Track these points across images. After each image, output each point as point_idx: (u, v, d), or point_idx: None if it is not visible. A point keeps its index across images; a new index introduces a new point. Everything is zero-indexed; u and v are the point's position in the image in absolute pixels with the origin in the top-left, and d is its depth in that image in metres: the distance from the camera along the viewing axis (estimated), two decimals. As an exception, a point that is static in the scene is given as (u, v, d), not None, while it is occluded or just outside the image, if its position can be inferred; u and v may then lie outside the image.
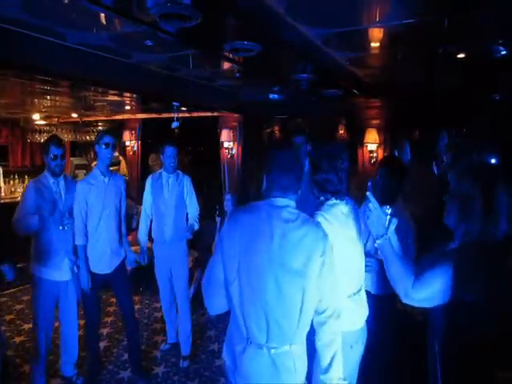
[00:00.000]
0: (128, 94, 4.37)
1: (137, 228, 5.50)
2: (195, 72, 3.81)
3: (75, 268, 2.93)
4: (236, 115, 5.66)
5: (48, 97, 4.60)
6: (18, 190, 6.52)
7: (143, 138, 6.98)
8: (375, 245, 1.58)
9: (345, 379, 1.55)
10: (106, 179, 2.96)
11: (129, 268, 4.91)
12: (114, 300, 4.35)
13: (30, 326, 4.04)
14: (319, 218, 1.72)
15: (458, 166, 1.53)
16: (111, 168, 3.15)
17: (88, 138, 7.01)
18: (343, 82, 3.73)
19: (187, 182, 3.47)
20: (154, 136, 7.13)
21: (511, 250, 1.41)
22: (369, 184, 1.73)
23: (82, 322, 3.14)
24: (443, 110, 4.35)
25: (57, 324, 3.06)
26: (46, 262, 2.79)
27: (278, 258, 1.43)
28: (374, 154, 4.90)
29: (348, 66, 3.33)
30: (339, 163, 1.83)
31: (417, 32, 2.42)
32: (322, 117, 5.34)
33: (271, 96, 4.95)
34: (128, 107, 5.71)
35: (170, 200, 3.39)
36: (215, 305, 1.59)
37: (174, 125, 4.85)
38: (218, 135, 5.85)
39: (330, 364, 1.51)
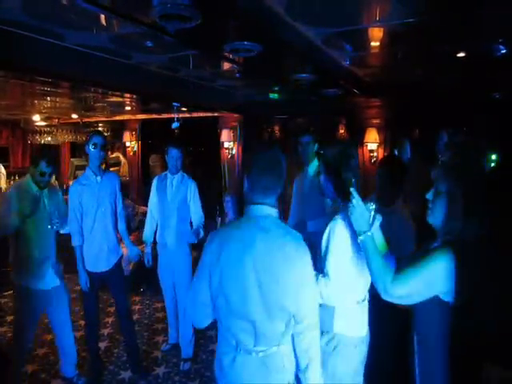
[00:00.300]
0: (128, 95, 4.37)
1: (136, 228, 5.55)
2: (195, 72, 3.81)
3: (60, 273, 2.94)
4: (236, 115, 5.65)
5: (48, 98, 4.60)
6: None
7: (143, 138, 6.98)
8: (358, 241, 1.59)
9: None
10: (99, 178, 2.97)
11: (129, 267, 4.93)
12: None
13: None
14: (339, 223, 1.74)
15: (441, 164, 1.54)
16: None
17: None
18: (343, 81, 3.73)
19: (192, 186, 3.39)
20: (154, 136, 7.14)
21: (489, 249, 1.42)
22: (353, 181, 1.74)
23: (82, 323, 3.15)
24: (443, 109, 4.35)
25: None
26: (29, 270, 2.77)
27: (260, 267, 1.44)
28: (374, 154, 4.89)
29: (348, 65, 3.33)
30: (353, 161, 1.84)
31: (416, 31, 2.42)
32: (322, 116, 5.34)
33: (271, 96, 4.95)
34: (128, 108, 5.71)
35: (173, 202, 3.35)
36: (201, 321, 1.60)
37: (174, 125, 4.86)
38: (218, 135, 5.86)
39: (306, 368, 1.56)
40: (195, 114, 5.85)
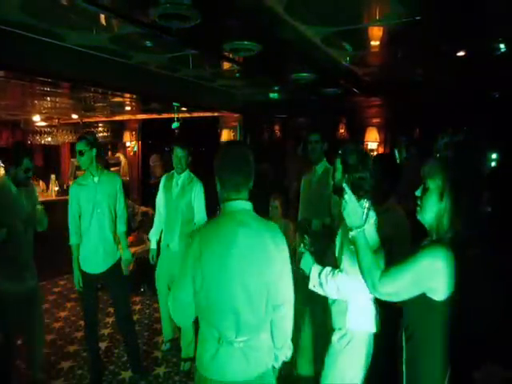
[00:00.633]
0: (128, 95, 4.37)
1: (136, 228, 5.55)
2: (195, 72, 3.81)
3: (35, 277, 2.90)
4: (236, 115, 5.66)
5: (48, 98, 4.61)
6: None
7: (143, 138, 6.98)
8: (349, 236, 1.61)
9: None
10: (96, 178, 2.95)
11: (129, 267, 4.92)
12: (115, 300, 4.35)
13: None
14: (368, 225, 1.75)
15: (430, 162, 1.55)
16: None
17: (88, 139, 7.01)
18: (343, 80, 3.73)
19: (197, 187, 3.31)
20: (154, 136, 7.14)
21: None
22: (346, 176, 1.80)
23: (82, 323, 3.15)
24: (443, 109, 4.35)
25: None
26: (6, 272, 2.73)
27: (242, 259, 1.49)
28: (375, 153, 4.89)
29: (347, 64, 3.32)
30: (369, 161, 1.90)
31: (416, 30, 2.42)
32: (323, 116, 5.34)
33: (271, 95, 4.95)
34: (128, 108, 5.71)
35: (177, 202, 3.31)
36: (183, 319, 1.64)
37: (175, 125, 4.86)
38: (219, 135, 5.86)
39: (284, 345, 1.67)
40: (195, 114, 5.86)
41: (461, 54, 2.88)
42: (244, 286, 1.49)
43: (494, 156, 4.31)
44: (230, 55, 2.90)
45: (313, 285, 1.88)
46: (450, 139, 4.21)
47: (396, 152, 4.87)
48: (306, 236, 1.98)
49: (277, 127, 6.09)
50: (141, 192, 6.92)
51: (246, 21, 2.20)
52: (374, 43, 2.73)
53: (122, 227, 3.12)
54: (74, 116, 6.34)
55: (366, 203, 1.66)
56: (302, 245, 1.96)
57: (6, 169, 2.82)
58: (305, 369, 2.98)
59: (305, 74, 3.46)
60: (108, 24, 2.41)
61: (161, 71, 3.75)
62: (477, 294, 1.44)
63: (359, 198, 1.82)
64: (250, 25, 2.28)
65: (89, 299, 3.03)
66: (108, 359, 3.49)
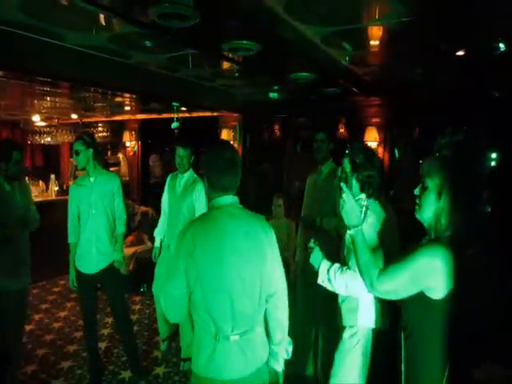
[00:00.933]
0: (128, 95, 4.37)
1: (136, 228, 5.55)
2: (195, 72, 3.81)
3: (29, 274, 2.92)
4: (236, 115, 5.66)
5: (48, 98, 4.61)
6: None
7: (143, 138, 6.98)
8: (348, 234, 1.63)
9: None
10: (92, 179, 2.96)
11: (129, 267, 4.91)
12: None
13: (31, 326, 4.07)
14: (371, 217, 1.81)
15: (429, 160, 1.56)
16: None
17: (88, 138, 7.01)
18: (342, 80, 3.72)
19: (199, 188, 3.24)
20: (154, 136, 7.14)
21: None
22: (338, 173, 1.80)
23: (82, 323, 3.15)
24: (443, 108, 4.34)
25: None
26: (4, 270, 2.73)
27: (236, 250, 1.52)
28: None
29: (347, 64, 3.32)
30: (376, 159, 1.97)
31: (415, 29, 2.42)
32: (322, 115, 5.34)
33: (271, 95, 4.94)
34: (128, 108, 5.71)
35: (179, 203, 3.29)
36: (176, 315, 1.63)
37: (174, 125, 4.86)
38: (218, 135, 5.86)
39: (281, 339, 1.69)
40: (195, 114, 5.85)
41: (460, 53, 2.87)
42: (239, 276, 1.52)
43: (493, 156, 4.31)
44: (230, 55, 2.90)
45: (321, 280, 1.89)
46: (449, 139, 4.21)
47: (396, 151, 4.88)
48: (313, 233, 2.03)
49: (277, 127, 6.09)
50: (140, 192, 6.91)
51: (245, 20, 2.19)
52: (374, 43, 2.73)
53: (120, 228, 3.10)
54: (74, 116, 6.34)
55: (364, 201, 1.69)
56: (312, 240, 1.98)
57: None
58: (306, 368, 2.99)
59: (304, 74, 3.45)
60: (107, 24, 2.41)
61: (160, 71, 3.74)
62: (475, 293, 1.44)
63: (368, 196, 1.89)
64: (250, 24, 2.28)
65: (88, 299, 3.03)
66: (108, 359, 3.49)
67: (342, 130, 5.34)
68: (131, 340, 3.26)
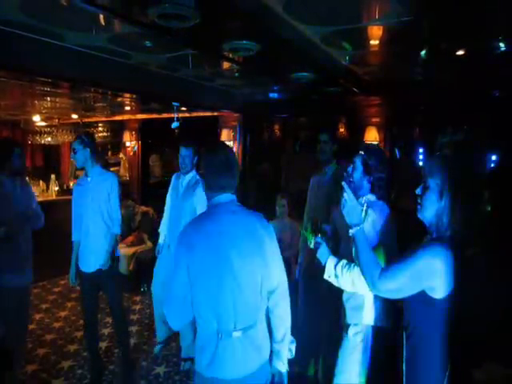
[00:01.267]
0: (128, 95, 4.37)
1: (136, 228, 5.55)
2: (195, 72, 3.81)
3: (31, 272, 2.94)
4: (236, 115, 5.66)
5: (48, 98, 4.61)
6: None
7: (143, 138, 6.98)
8: (349, 234, 1.64)
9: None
10: (90, 179, 2.98)
11: (130, 267, 4.91)
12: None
13: (32, 326, 4.07)
14: (370, 216, 1.84)
15: (431, 159, 1.57)
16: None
17: (88, 138, 7.02)
18: (342, 80, 3.72)
19: (200, 190, 3.19)
20: (154, 136, 7.14)
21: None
22: (345, 174, 1.90)
23: (82, 322, 3.15)
24: (443, 108, 4.35)
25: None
26: (10, 265, 2.75)
27: (236, 244, 1.54)
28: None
29: (347, 64, 3.32)
30: (386, 161, 2.02)
31: (416, 29, 2.42)
32: (322, 115, 5.34)
33: (271, 95, 4.94)
34: (128, 108, 5.71)
35: (180, 204, 3.28)
36: (179, 320, 1.63)
37: (174, 125, 4.85)
38: (218, 135, 5.86)
39: (283, 337, 1.68)
40: (195, 114, 5.85)
41: (460, 53, 2.87)
42: (240, 271, 1.53)
43: (493, 156, 4.31)
44: (230, 55, 2.90)
45: (328, 276, 1.89)
46: (449, 138, 4.21)
47: (397, 151, 4.88)
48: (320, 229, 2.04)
49: (277, 127, 6.09)
50: (141, 192, 6.92)
51: (244, 20, 2.20)
52: (374, 42, 2.73)
53: (115, 229, 3.07)
54: (74, 116, 6.34)
55: (364, 201, 1.70)
56: (319, 236, 2.00)
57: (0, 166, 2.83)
58: (308, 368, 3.00)
59: (304, 74, 3.45)
60: (107, 24, 2.41)
61: (160, 71, 3.74)
62: (476, 293, 1.44)
63: (379, 197, 1.95)
64: (250, 25, 2.28)
65: (88, 298, 3.05)
66: (108, 359, 3.49)
67: (342, 130, 5.35)
68: (125, 339, 3.28)
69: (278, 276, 1.66)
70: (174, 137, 5.44)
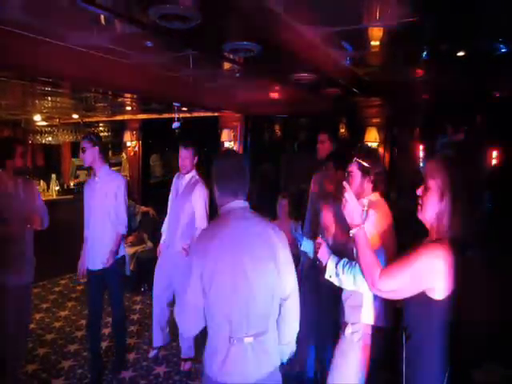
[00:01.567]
0: (128, 95, 4.37)
1: (136, 228, 5.55)
2: (195, 72, 3.81)
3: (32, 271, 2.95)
4: (236, 115, 5.66)
5: (49, 98, 4.61)
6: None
7: (144, 138, 6.98)
8: (350, 234, 1.65)
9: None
10: (97, 178, 3.01)
11: (130, 267, 4.92)
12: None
13: (32, 325, 4.07)
14: (371, 215, 1.86)
15: (432, 160, 1.57)
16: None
17: (89, 138, 7.03)
18: (343, 80, 3.72)
19: (198, 191, 3.19)
20: (154, 136, 7.14)
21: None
22: (346, 175, 1.92)
23: (83, 322, 3.16)
24: (443, 108, 4.35)
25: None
26: (11, 265, 2.75)
27: (248, 251, 1.54)
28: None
29: (347, 64, 3.32)
30: (379, 156, 2.13)
31: (416, 30, 2.42)
32: (323, 116, 5.34)
33: (271, 95, 4.94)
34: (129, 108, 5.71)
35: (179, 204, 3.27)
36: (192, 328, 1.63)
37: (175, 125, 4.85)
38: (219, 135, 5.86)
39: (291, 339, 1.72)
40: (196, 114, 5.85)
41: (461, 53, 2.87)
42: (254, 277, 1.53)
43: (494, 156, 4.31)
44: (231, 56, 2.90)
45: (329, 275, 1.90)
46: (450, 139, 4.21)
47: (397, 152, 4.88)
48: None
49: (277, 127, 6.10)
50: (141, 192, 6.92)
51: (245, 21, 2.20)
52: (374, 43, 2.73)
53: (120, 228, 3.10)
54: (75, 116, 6.34)
55: (364, 201, 1.73)
56: (320, 235, 2.03)
57: (3, 164, 2.83)
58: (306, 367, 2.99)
59: (304, 74, 3.45)
60: (108, 24, 2.41)
61: (160, 71, 3.75)
62: (476, 294, 1.44)
63: (381, 195, 1.98)
64: (250, 25, 2.28)
65: (93, 296, 3.09)
66: (108, 358, 3.50)
67: (342, 131, 5.35)
68: (122, 338, 3.31)
69: (290, 283, 1.67)
70: (175, 137, 5.45)
